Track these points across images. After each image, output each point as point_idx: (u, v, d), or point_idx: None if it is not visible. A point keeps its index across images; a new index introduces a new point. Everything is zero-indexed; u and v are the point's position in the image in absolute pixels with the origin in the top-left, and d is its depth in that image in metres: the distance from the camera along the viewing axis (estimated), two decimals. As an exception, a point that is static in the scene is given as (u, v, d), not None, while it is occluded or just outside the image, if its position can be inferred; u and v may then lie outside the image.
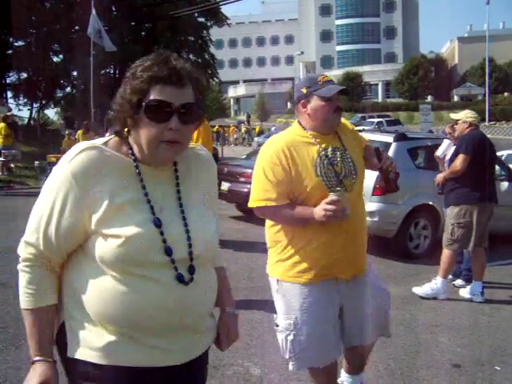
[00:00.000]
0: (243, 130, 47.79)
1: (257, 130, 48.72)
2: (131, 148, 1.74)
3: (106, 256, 1.65)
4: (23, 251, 1.72)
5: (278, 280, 2.96)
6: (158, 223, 1.68)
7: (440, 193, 6.36)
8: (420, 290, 5.97)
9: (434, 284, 5.93)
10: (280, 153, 2.81)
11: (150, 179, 1.74)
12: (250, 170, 9.96)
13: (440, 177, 6.12)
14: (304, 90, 2.91)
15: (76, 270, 1.73)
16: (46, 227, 1.69)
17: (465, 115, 6.16)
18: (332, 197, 2.64)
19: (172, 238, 1.69)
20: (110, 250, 1.64)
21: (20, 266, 1.72)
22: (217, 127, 42.58)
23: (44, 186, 1.75)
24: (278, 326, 2.99)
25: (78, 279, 1.72)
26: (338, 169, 2.83)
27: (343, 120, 3.02)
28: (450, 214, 5.97)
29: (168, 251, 1.68)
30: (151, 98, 1.64)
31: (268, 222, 2.99)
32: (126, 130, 1.74)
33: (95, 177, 1.66)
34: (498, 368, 4.21)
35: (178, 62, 1.70)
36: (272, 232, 2.98)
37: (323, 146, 2.86)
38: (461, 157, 5.83)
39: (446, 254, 5.98)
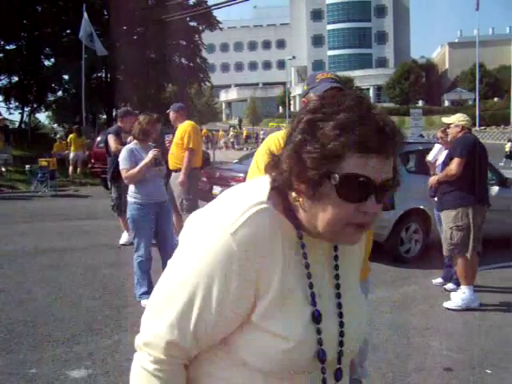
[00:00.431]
0: (231, 134, 47.90)
1: (244, 134, 48.86)
2: (292, 210, 1.26)
3: (264, 359, 1.22)
4: (158, 350, 1.26)
5: None
6: (318, 318, 1.25)
7: (432, 196, 6.38)
8: (452, 304, 5.80)
9: (462, 294, 5.81)
10: (272, 145, 2.63)
11: (311, 255, 1.28)
12: (241, 175, 9.98)
13: (433, 179, 6.14)
14: (305, 88, 2.91)
15: (205, 370, 1.30)
16: (196, 320, 1.22)
17: (457, 119, 6.18)
18: None
19: (327, 337, 1.26)
20: (275, 353, 1.21)
21: (148, 367, 1.30)
22: (204, 131, 42.67)
23: (185, 259, 1.27)
24: None
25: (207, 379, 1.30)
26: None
27: None
28: (447, 218, 5.94)
29: (321, 356, 1.24)
30: (348, 170, 1.15)
31: None
32: (294, 195, 1.24)
33: (265, 252, 1.21)
34: (489, 371, 4.23)
35: (392, 127, 1.21)
36: None
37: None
38: (456, 160, 5.84)
39: (459, 262, 5.91)
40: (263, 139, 24.12)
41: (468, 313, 5.67)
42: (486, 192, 6.04)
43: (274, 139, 2.68)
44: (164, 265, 5.62)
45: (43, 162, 15.89)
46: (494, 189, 8.14)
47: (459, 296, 5.80)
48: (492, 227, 7.87)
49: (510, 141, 31.71)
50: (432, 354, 4.53)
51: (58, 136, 22.92)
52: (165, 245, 5.70)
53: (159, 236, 5.72)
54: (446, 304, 5.84)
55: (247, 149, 41.93)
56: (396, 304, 5.90)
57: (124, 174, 5.53)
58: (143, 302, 5.37)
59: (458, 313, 5.67)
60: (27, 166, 15.88)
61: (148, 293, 5.41)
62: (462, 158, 5.79)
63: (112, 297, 5.74)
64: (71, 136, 18.52)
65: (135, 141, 5.71)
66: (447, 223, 5.94)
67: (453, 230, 5.85)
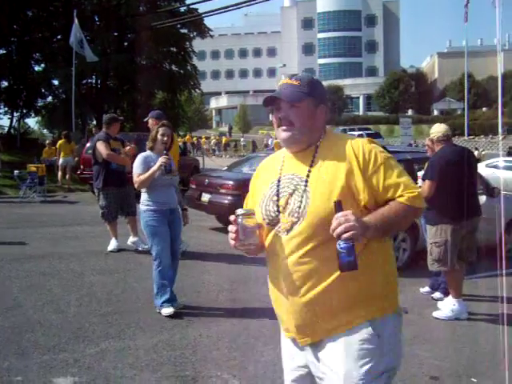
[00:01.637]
0: (213, 141, 48.07)
1: (224, 141, 49.15)
2: None
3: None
4: None
5: None
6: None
7: None
8: (441, 314, 5.84)
9: (452, 306, 5.84)
10: (257, 169, 2.57)
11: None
12: (230, 182, 10.00)
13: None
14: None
15: None
16: None
17: (432, 133, 6.22)
18: (231, 217, 2.25)
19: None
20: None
21: None
22: (187, 137, 42.89)
23: None
24: None
25: None
26: (282, 202, 2.28)
27: (351, 139, 2.33)
28: (429, 234, 6.04)
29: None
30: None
31: None
32: None
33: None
34: (475, 380, 4.25)
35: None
36: None
37: (283, 169, 2.36)
38: (426, 183, 5.87)
39: (445, 275, 6.02)
40: (273, 148, 23.96)
41: (455, 322, 5.70)
42: (472, 203, 5.94)
43: None
44: (174, 271, 5.69)
45: (32, 167, 15.81)
46: (481, 198, 8.18)
47: (449, 307, 5.83)
48: (479, 236, 7.92)
49: (476, 149, 31.54)
50: (419, 363, 4.55)
51: (47, 142, 22.77)
52: (174, 253, 5.69)
53: (171, 245, 5.67)
54: (435, 314, 5.87)
55: (226, 156, 42.10)
56: (383, 312, 5.90)
57: (135, 178, 5.61)
58: (164, 311, 5.36)
59: (444, 322, 5.70)
60: (16, 172, 15.78)
61: (169, 301, 5.41)
62: (432, 181, 5.83)
63: (100, 304, 5.72)
64: (60, 142, 18.43)
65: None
66: (429, 239, 6.03)
67: (432, 246, 5.92)
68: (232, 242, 2.24)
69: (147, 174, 5.51)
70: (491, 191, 8.32)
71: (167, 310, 5.35)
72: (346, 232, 2.03)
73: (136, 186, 5.66)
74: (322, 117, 2.36)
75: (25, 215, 12.12)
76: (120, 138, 8.71)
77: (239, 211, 2.23)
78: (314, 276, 2.20)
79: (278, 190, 2.31)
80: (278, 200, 2.29)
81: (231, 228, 2.23)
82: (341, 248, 2.04)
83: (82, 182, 16.85)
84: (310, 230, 2.19)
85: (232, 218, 2.24)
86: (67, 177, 17.92)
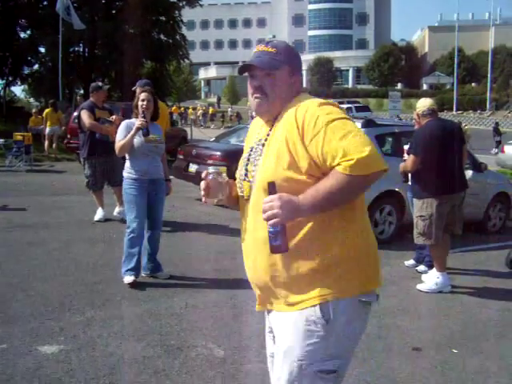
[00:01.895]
0: (199, 112, 47.73)
1: (210, 111, 48.85)
2: None
3: None
4: None
5: None
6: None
7: (404, 181, 6.45)
8: (425, 287, 5.90)
9: (436, 279, 5.90)
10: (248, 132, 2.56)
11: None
12: (218, 153, 9.96)
13: (401, 167, 6.17)
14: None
15: None
16: None
17: (417, 107, 6.24)
18: (202, 174, 2.38)
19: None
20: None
21: None
22: (174, 108, 42.63)
23: None
24: None
25: None
26: (250, 168, 2.28)
27: (298, 109, 2.14)
28: (415, 207, 6.09)
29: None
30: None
31: None
32: None
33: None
34: (456, 351, 4.32)
35: None
36: None
37: (258, 136, 2.33)
38: (410, 157, 5.94)
39: (430, 249, 6.09)
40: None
41: (438, 294, 5.77)
42: (457, 178, 6.01)
43: None
44: (151, 241, 5.66)
45: (18, 136, 15.63)
46: (468, 173, 8.23)
47: (433, 280, 5.89)
48: (464, 211, 7.99)
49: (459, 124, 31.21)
50: (401, 334, 4.61)
51: (33, 110, 22.49)
52: (155, 223, 5.68)
53: (150, 212, 5.62)
54: (419, 286, 5.93)
55: (213, 127, 41.91)
56: (368, 284, 5.96)
57: (116, 144, 5.57)
58: (126, 279, 5.36)
59: (428, 294, 5.77)
60: (1, 140, 15.60)
61: (134, 269, 5.40)
62: (416, 156, 5.88)
63: (85, 273, 5.72)
64: (47, 111, 18.20)
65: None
66: (415, 212, 6.08)
67: (418, 219, 5.97)
68: (203, 198, 2.34)
69: (125, 139, 5.45)
70: (478, 166, 8.39)
71: (128, 279, 5.34)
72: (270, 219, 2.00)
73: (117, 152, 5.60)
74: (296, 86, 2.25)
75: (10, 184, 12.02)
76: (108, 107, 8.63)
77: (210, 169, 2.35)
78: (263, 247, 2.14)
79: (249, 156, 2.31)
80: (247, 165, 2.30)
81: (201, 184, 2.32)
82: (269, 231, 2.04)
83: (68, 152, 16.71)
84: (258, 197, 2.16)
85: (203, 175, 2.33)
86: (54, 146, 17.76)
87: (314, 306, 2.08)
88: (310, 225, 2.09)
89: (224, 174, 2.34)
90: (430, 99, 6.48)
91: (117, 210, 8.20)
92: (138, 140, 5.46)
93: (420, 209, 5.95)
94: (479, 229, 8.87)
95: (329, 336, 2.08)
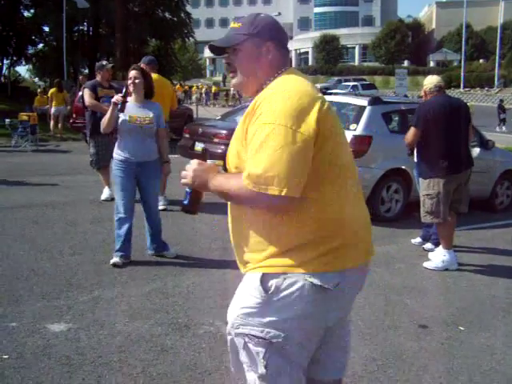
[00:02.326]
0: (203, 90, 47.47)
1: (213, 90, 48.55)
2: None
3: None
4: None
5: None
6: None
7: (408, 154, 6.42)
8: (431, 264, 5.90)
9: (443, 256, 5.90)
10: None
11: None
12: (224, 131, 9.92)
13: (406, 138, 6.12)
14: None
15: None
16: None
17: (424, 85, 6.21)
18: None
19: None
20: None
21: None
22: (178, 86, 42.47)
23: None
24: None
25: None
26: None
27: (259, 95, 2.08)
28: (422, 186, 6.06)
29: None
30: None
31: None
32: None
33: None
34: (462, 328, 4.34)
35: None
36: None
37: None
38: (411, 130, 5.93)
39: (437, 227, 6.07)
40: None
41: (445, 272, 5.77)
42: (463, 156, 5.98)
43: None
44: (149, 223, 5.64)
45: (24, 116, 15.64)
46: (475, 150, 8.19)
47: (440, 258, 5.89)
48: (471, 188, 7.96)
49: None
50: (408, 312, 4.62)
51: (38, 90, 22.45)
52: (149, 207, 5.63)
53: (143, 196, 5.61)
54: (426, 264, 5.94)
55: (214, 105, 41.71)
56: (375, 262, 5.95)
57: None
58: (111, 260, 5.33)
59: (435, 272, 5.77)
60: (7, 120, 15.61)
61: (120, 250, 5.36)
62: (416, 128, 5.87)
63: (92, 252, 5.75)
64: (52, 90, 18.18)
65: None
66: (421, 191, 6.06)
67: (425, 198, 5.95)
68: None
69: (106, 116, 5.41)
70: (486, 143, 8.34)
71: (113, 260, 5.33)
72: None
73: (102, 130, 5.56)
74: (268, 56, 2.12)
75: (16, 164, 12.06)
76: (116, 86, 8.57)
77: (207, 163, 2.27)
78: (229, 217, 2.28)
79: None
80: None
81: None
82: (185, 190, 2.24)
83: (74, 131, 16.72)
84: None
85: None
86: (59, 126, 17.76)
87: (258, 273, 2.06)
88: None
89: (221, 168, 2.23)
90: (437, 76, 6.45)
91: None
92: (122, 119, 5.36)
93: (427, 187, 5.92)
94: (486, 206, 8.85)
95: (266, 306, 2.03)
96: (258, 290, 2.05)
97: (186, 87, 47.37)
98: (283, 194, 1.88)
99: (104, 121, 5.44)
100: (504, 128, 27.83)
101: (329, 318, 2.11)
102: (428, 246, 6.54)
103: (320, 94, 2.08)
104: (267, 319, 2.03)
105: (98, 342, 3.79)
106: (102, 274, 5.10)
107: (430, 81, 6.17)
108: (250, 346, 2.07)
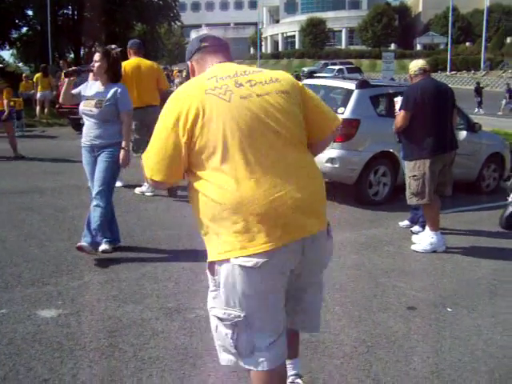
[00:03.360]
0: (184, 74, 47.23)
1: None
2: None
3: None
4: None
5: None
6: None
7: (399, 141, 6.45)
8: (419, 247, 5.97)
9: (430, 238, 5.96)
10: None
11: None
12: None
13: (396, 124, 6.15)
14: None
15: None
16: None
17: (410, 69, 6.27)
18: None
19: None
20: None
21: None
22: (175, 72, 42.01)
23: None
24: None
25: None
26: None
27: None
28: (407, 168, 6.11)
29: None
30: None
31: None
32: None
33: None
34: (450, 309, 4.39)
35: None
36: None
37: None
38: (401, 113, 5.96)
39: (423, 209, 6.12)
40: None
41: (433, 254, 5.82)
42: (448, 138, 6.00)
43: None
44: (100, 214, 5.12)
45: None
46: (462, 133, 8.23)
47: (427, 240, 5.95)
48: (457, 171, 8.01)
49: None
50: (397, 294, 4.67)
51: (24, 75, 22.18)
52: (95, 192, 5.19)
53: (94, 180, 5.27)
54: (414, 247, 5.99)
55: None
56: (363, 246, 6.02)
57: None
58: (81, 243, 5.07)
59: (423, 254, 5.82)
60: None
61: (89, 236, 5.13)
62: (406, 111, 5.89)
63: (81, 238, 5.73)
64: (37, 75, 17.99)
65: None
66: (407, 173, 6.10)
67: (411, 180, 6.00)
68: None
69: (64, 88, 5.33)
70: (472, 126, 8.38)
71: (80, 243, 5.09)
72: None
73: (60, 100, 5.51)
74: (193, 69, 2.67)
75: (2, 150, 11.93)
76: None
77: None
78: None
79: None
80: None
81: None
82: None
83: (60, 117, 16.57)
84: None
85: None
86: (45, 111, 17.59)
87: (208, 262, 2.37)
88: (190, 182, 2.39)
89: None
90: (422, 60, 6.49)
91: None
92: (82, 101, 5.24)
93: (412, 169, 5.97)
94: (473, 189, 8.91)
95: (217, 289, 2.33)
96: (209, 277, 2.37)
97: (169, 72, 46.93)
98: (154, 177, 2.38)
99: (62, 91, 5.42)
100: (481, 110, 27.94)
101: (273, 285, 2.30)
102: (416, 228, 6.58)
103: (207, 82, 2.35)
104: (224, 301, 2.30)
105: (88, 327, 3.79)
106: (91, 259, 5.09)
107: (415, 64, 6.23)
108: (220, 327, 2.36)
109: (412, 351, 3.67)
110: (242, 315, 2.26)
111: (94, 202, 5.14)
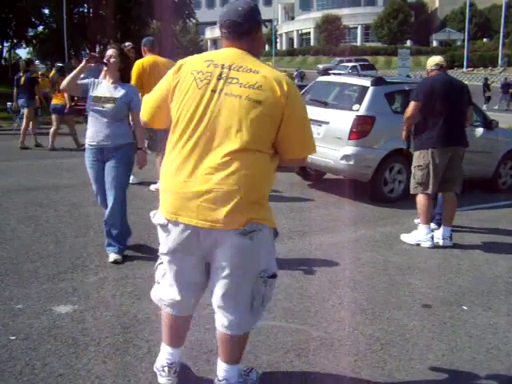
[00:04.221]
0: None
1: None
2: None
3: None
4: None
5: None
6: None
7: (407, 147, 6.52)
8: (406, 238, 6.05)
9: (417, 231, 6.03)
10: None
11: None
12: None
13: (405, 113, 6.14)
14: None
15: None
16: None
17: (427, 65, 6.30)
18: None
19: None
20: None
21: None
22: None
23: None
24: None
25: None
26: None
27: None
28: (414, 159, 6.16)
29: None
30: None
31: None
32: None
33: None
34: (465, 308, 4.36)
35: None
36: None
37: None
38: (411, 103, 5.99)
39: (417, 199, 6.10)
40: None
41: (448, 252, 5.79)
42: (455, 133, 5.94)
43: None
44: (105, 221, 5.13)
45: (25, 99, 15.51)
46: (479, 130, 8.17)
47: (416, 233, 6.02)
48: (474, 168, 7.95)
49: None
50: (411, 292, 4.64)
51: (40, 72, 22.32)
52: (108, 197, 5.06)
53: (105, 186, 5.08)
54: (402, 236, 6.09)
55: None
56: (378, 243, 5.99)
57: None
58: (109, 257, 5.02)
59: (438, 252, 5.79)
60: (9, 104, 15.53)
61: (109, 245, 5.09)
62: (416, 101, 5.93)
63: (96, 234, 5.76)
64: (53, 73, 18.06)
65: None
66: (413, 163, 6.16)
67: (415, 169, 6.07)
68: None
69: (72, 73, 4.86)
70: (489, 124, 8.31)
71: (111, 256, 5.03)
72: None
73: (61, 86, 5.05)
74: None
75: (19, 148, 12.05)
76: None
77: None
78: None
79: None
80: None
81: None
82: None
83: (75, 114, 16.64)
84: None
85: None
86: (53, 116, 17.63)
87: None
88: None
89: None
90: (439, 56, 6.46)
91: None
92: (90, 96, 4.96)
93: (417, 159, 6.04)
94: (489, 186, 8.84)
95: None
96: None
97: None
98: (143, 117, 2.91)
99: (68, 77, 4.92)
100: (485, 106, 27.67)
101: (172, 245, 2.68)
102: (431, 225, 6.54)
103: (203, 64, 2.63)
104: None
105: (103, 323, 3.82)
106: (106, 256, 5.11)
107: (432, 60, 6.27)
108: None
109: (427, 349, 3.65)
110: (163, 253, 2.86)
111: (110, 206, 5.04)
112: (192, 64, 2.66)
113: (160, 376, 2.98)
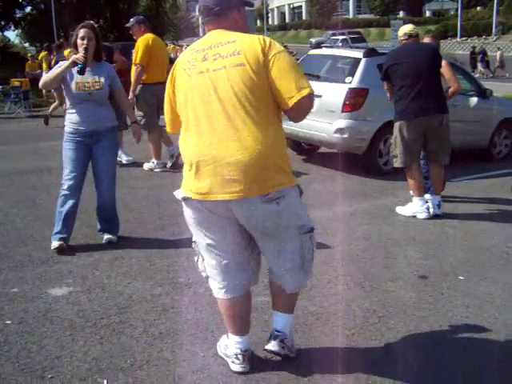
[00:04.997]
0: (183, 48, 46.89)
1: None
2: None
3: None
4: None
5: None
6: None
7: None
8: (401, 210, 6.04)
9: (412, 203, 6.01)
10: None
11: None
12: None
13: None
14: None
15: None
16: None
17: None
18: None
19: None
20: None
21: None
22: (172, 47, 41.89)
23: None
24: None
25: None
26: None
27: None
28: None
29: None
30: None
31: None
32: None
33: None
34: (462, 278, 4.35)
35: None
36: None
37: None
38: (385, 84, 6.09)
39: (406, 174, 6.07)
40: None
41: (444, 223, 5.78)
42: (422, 104, 5.71)
43: None
44: (99, 206, 5.09)
45: (15, 82, 15.46)
46: (473, 100, 8.11)
47: (411, 205, 6.00)
48: (469, 138, 7.92)
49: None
50: (408, 263, 4.64)
51: (29, 54, 22.11)
52: (99, 180, 5.00)
53: (93, 171, 5.00)
54: (398, 208, 6.09)
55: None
56: (374, 215, 5.97)
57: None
58: (52, 245, 4.76)
59: (434, 223, 5.77)
60: None
61: (60, 233, 4.82)
62: (383, 81, 6.06)
63: (90, 216, 5.69)
64: (43, 54, 17.91)
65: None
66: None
67: (391, 143, 6.11)
68: None
69: (56, 71, 4.66)
70: (483, 92, 8.24)
71: (53, 244, 4.76)
72: None
73: (40, 84, 4.90)
74: None
75: (12, 131, 11.98)
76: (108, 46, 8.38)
77: None
78: None
79: None
80: None
81: None
82: None
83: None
84: None
85: None
86: (52, 90, 17.52)
87: None
88: None
89: None
90: (410, 25, 6.24)
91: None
92: (69, 88, 4.75)
93: (394, 131, 5.99)
94: (484, 156, 8.80)
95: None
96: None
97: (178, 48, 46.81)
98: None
99: (50, 75, 4.72)
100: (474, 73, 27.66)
101: (199, 218, 2.91)
102: (426, 196, 6.51)
103: (190, 55, 2.76)
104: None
105: (99, 304, 3.80)
106: (100, 237, 5.08)
107: (402, 29, 6.09)
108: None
109: (424, 320, 3.64)
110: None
111: (101, 189, 5.01)
112: (181, 60, 2.79)
113: (233, 364, 2.99)
